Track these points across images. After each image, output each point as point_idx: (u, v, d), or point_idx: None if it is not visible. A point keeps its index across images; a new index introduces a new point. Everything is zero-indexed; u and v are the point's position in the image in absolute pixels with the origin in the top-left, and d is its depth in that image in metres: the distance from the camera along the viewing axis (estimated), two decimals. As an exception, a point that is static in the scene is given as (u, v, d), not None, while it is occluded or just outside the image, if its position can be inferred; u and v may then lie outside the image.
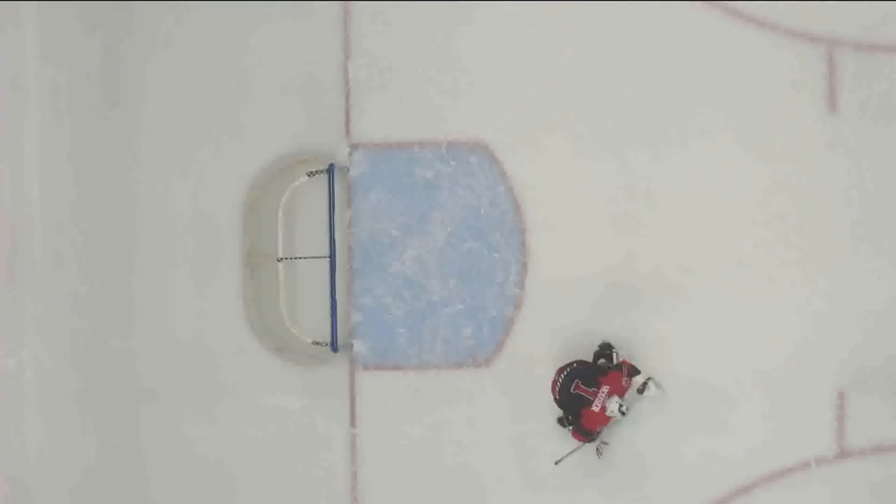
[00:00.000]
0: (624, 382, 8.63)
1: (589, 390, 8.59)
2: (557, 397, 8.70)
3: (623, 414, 8.60)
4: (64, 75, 9.46)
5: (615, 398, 8.57)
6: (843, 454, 8.79)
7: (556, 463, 8.78)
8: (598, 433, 8.77)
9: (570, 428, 8.75)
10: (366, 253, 9.22)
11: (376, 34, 9.18)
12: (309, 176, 9.17)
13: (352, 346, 9.20)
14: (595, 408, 8.58)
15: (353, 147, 9.22)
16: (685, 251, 8.93)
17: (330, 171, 9.05)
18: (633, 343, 8.92)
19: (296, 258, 9.26)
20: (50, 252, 9.50)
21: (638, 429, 8.93)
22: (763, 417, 8.83)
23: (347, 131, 9.23)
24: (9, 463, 9.49)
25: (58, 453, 9.48)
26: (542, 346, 9.02)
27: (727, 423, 8.87)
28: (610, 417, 8.63)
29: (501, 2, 8.99)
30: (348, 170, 9.19)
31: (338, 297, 9.03)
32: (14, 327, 9.50)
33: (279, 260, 9.23)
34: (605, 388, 8.57)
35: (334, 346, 9.03)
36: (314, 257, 9.12)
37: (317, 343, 9.17)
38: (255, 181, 9.30)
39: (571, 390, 8.62)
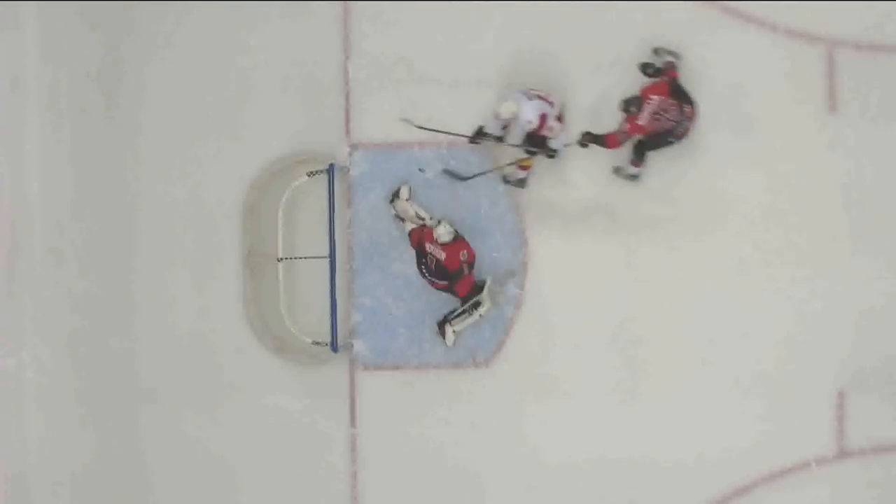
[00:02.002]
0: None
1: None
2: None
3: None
4: (64, 75, 9.46)
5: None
6: (843, 454, 8.80)
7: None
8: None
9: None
10: (366, 253, 9.22)
11: (376, 34, 9.18)
12: (309, 176, 9.17)
13: (352, 346, 9.20)
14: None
15: (353, 147, 9.22)
16: (685, 250, 8.93)
17: (330, 171, 9.05)
18: (635, 339, 8.93)
19: (296, 258, 9.26)
20: (50, 252, 9.49)
21: (637, 428, 8.94)
22: (763, 417, 8.84)
23: (347, 131, 9.23)
24: (9, 462, 9.48)
25: (58, 453, 9.48)
26: (542, 346, 9.03)
27: (727, 423, 8.88)
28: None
29: (501, 2, 8.99)
30: (348, 170, 9.19)
31: (338, 297, 9.02)
32: (14, 327, 9.50)
33: (279, 260, 9.23)
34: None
35: (334, 346, 9.02)
36: (314, 257, 9.12)
37: (317, 343, 9.17)
38: (255, 181, 9.30)
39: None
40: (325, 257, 9.01)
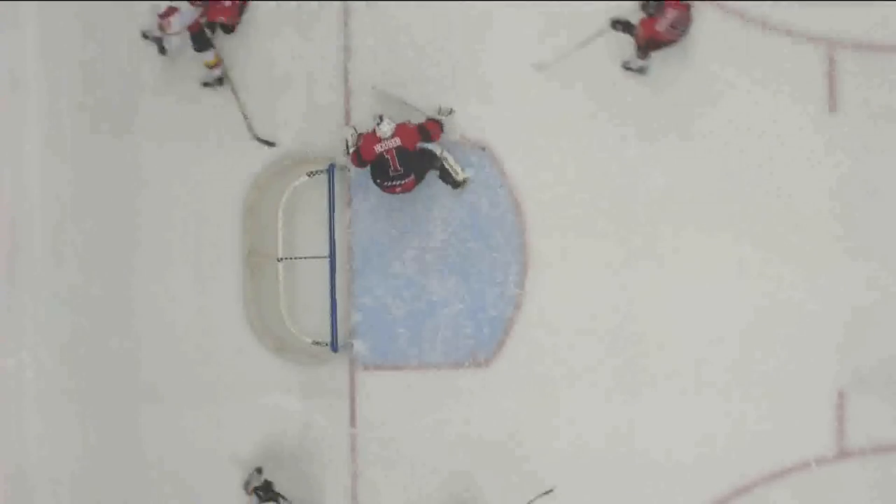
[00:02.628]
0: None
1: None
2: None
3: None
4: (64, 75, 9.47)
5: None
6: (843, 454, 8.79)
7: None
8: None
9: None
10: (366, 253, 9.23)
11: (376, 34, 9.18)
12: (309, 176, 9.16)
13: (352, 346, 9.20)
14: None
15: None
16: (685, 250, 8.93)
17: (330, 171, 9.05)
18: (635, 339, 8.93)
19: (296, 258, 9.26)
20: (50, 252, 9.50)
21: (636, 428, 8.94)
22: (763, 417, 8.84)
23: (347, 131, 9.23)
24: (9, 461, 9.49)
25: (58, 452, 9.49)
26: (542, 346, 9.03)
27: (727, 422, 8.87)
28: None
29: (501, 3, 8.99)
30: (348, 170, 9.19)
31: (338, 297, 9.02)
32: (14, 327, 9.51)
33: (279, 260, 9.22)
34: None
35: (334, 346, 9.02)
36: (314, 257, 9.12)
37: (317, 343, 9.17)
38: (255, 181, 9.30)
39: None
40: (325, 257, 9.02)
